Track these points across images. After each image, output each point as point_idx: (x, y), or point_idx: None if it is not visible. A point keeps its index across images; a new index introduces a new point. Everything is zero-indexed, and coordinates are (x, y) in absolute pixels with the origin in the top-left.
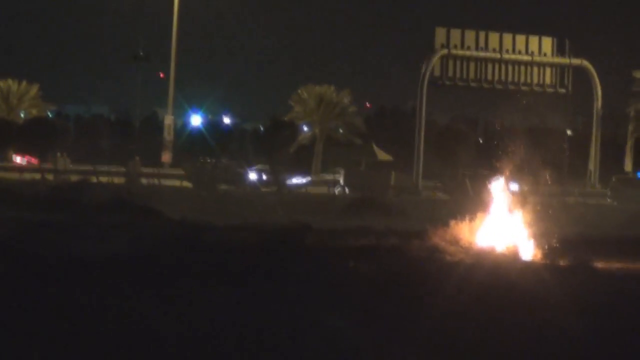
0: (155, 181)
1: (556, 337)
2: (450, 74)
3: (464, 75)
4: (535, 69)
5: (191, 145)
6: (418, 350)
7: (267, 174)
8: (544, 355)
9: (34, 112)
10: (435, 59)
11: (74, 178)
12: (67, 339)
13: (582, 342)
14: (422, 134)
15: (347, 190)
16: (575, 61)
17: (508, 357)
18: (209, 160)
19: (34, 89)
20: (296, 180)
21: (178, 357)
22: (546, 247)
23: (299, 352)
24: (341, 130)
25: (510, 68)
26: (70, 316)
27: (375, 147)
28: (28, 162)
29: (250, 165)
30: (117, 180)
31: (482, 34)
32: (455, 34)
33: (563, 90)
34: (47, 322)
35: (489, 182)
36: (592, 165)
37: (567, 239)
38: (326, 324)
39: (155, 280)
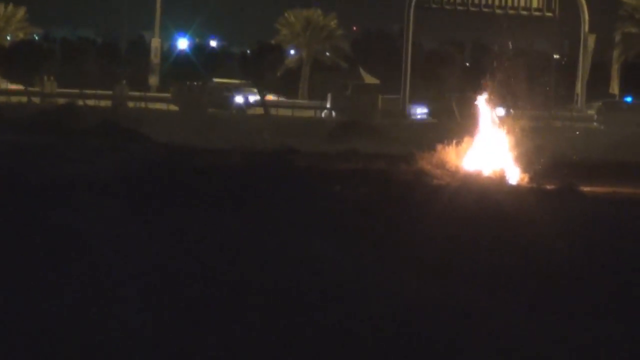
0: (142, 104)
1: (540, 256)
2: None
3: None
4: None
5: (178, 68)
6: (405, 271)
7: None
8: (529, 274)
9: (21, 35)
10: None
11: (61, 101)
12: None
13: (566, 262)
14: (409, 57)
15: (334, 113)
16: None
17: (495, 276)
18: (195, 84)
19: (21, 12)
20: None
21: (160, 281)
22: (533, 171)
23: (286, 276)
24: (328, 54)
25: None
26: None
27: (362, 71)
28: None
29: (236, 88)
30: (104, 103)
31: None
32: None
33: (550, 14)
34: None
35: (476, 106)
36: (579, 89)
37: (554, 163)
38: (313, 246)
39: (140, 203)
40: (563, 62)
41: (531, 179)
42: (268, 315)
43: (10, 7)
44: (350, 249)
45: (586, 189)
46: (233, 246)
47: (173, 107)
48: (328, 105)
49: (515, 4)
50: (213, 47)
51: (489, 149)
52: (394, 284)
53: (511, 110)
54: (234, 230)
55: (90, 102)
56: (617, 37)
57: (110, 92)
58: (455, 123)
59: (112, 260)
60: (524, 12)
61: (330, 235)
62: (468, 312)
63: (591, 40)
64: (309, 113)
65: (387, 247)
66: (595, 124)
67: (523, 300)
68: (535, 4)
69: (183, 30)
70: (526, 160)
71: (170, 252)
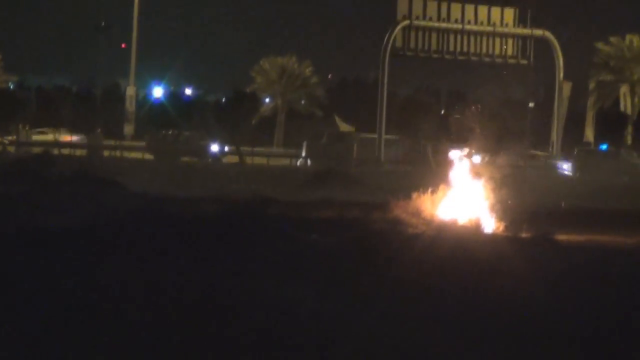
0: (117, 153)
1: (515, 304)
2: (412, 44)
3: (426, 46)
4: (498, 40)
5: (153, 117)
6: (379, 319)
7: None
8: (504, 323)
9: None
10: (397, 30)
11: (36, 150)
12: None
13: (541, 310)
14: (384, 105)
15: (309, 161)
16: (537, 32)
17: (469, 325)
18: (170, 132)
19: None
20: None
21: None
22: (508, 219)
23: (260, 321)
24: (303, 102)
25: (472, 39)
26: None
27: (337, 119)
28: None
29: (212, 137)
30: (79, 152)
31: (444, 5)
32: (418, 4)
33: (525, 62)
34: None
35: (451, 154)
36: (554, 137)
37: (529, 211)
38: (287, 294)
39: (111, 250)
40: (538, 109)
41: (506, 228)
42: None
43: None
44: (324, 295)
45: (561, 237)
46: (202, 294)
47: (148, 156)
48: (303, 154)
49: (491, 51)
50: (188, 96)
51: (465, 197)
52: (362, 329)
53: (486, 158)
54: (206, 277)
55: (66, 151)
56: (592, 85)
57: (85, 141)
58: (431, 171)
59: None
60: (499, 60)
61: (304, 281)
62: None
63: (566, 88)
64: (285, 161)
65: (360, 294)
66: (569, 172)
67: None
68: (510, 52)
69: (158, 78)
70: (501, 209)
71: (133, 297)
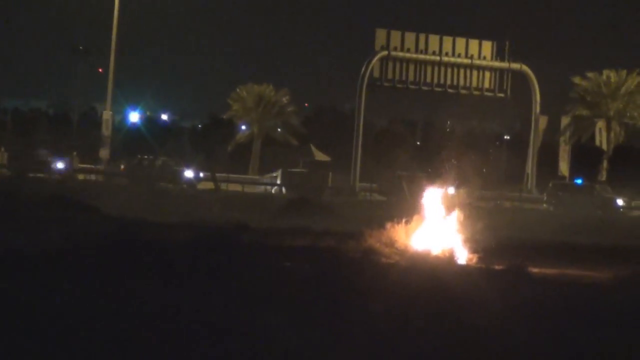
0: (93, 177)
1: (487, 337)
2: (390, 75)
3: (403, 77)
4: (475, 73)
5: (129, 141)
6: (349, 351)
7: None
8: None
9: None
10: (375, 61)
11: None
12: None
13: (515, 344)
14: (360, 135)
15: (284, 190)
16: (515, 65)
17: (437, 356)
18: (145, 157)
19: None
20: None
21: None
22: (482, 251)
23: (230, 352)
24: (279, 130)
25: (449, 71)
26: None
27: (313, 148)
28: None
29: (187, 163)
30: (55, 175)
31: (422, 37)
32: (396, 35)
33: (502, 95)
34: None
35: (426, 185)
36: (530, 170)
37: (503, 244)
38: (258, 322)
39: (82, 276)
40: (514, 142)
41: (480, 259)
42: None
43: None
44: (295, 325)
45: (535, 270)
46: (173, 320)
47: (124, 180)
48: (278, 182)
49: (468, 84)
50: (164, 121)
51: (439, 228)
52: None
53: (461, 190)
54: (176, 304)
55: (41, 174)
56: (568, 120)
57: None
58: (405, 201)
59: None
60: (476, 92)
61: (277, 309)
62: None
63: (543, 122)
64: (260, 189)
65: (334, 325)
66: (544, 205)
67: None
68: (487, 85)
69: (135, 103)
70: (475, 241)
71: (99, 325)
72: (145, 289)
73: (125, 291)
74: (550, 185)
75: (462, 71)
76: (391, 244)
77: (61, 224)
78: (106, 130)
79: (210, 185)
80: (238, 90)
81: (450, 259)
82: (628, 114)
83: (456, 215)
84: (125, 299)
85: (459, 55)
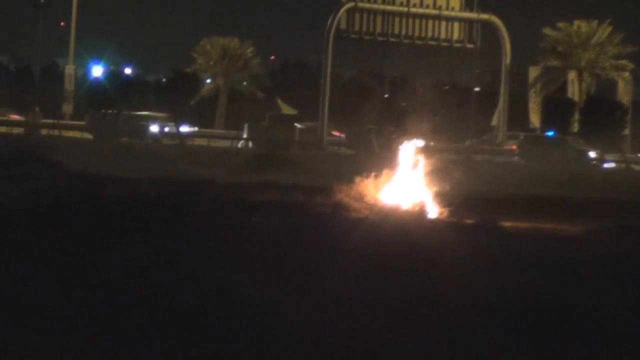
0: (56, 132)
1: (456, 290)
2: (357, 27)
3: (371, 29)
4: (444, 24)
5: (92, 96)
6: (316, 307)
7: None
8: (444, 307)
9: None
10: (342, 12)
11: None
12: None
13: (482, 297)
14: (328, 88)
15: (250, 144)
16: (484, 16)
17: (408, 312)
18: (110, 112)
19: None
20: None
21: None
22: (452, 205)
23: (196, 309)
24: (245, 83)
25: (417, 22)
26: None
27: (279, 101)
28: None
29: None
30: (17, 130)
31: None
32: None
33: (471, 46)
34: None
35: (395, 138)
36: (500, 122)
37: (474, 197)
38: (224, 279)
39: (44, 233)
40: (483, 95)
41: (451, 213)
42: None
43: None
44: (260, 278)
45: (507, 224)
46: (138, 279)
47: (87, 136)
48: (245, 136)
49: (436, 35)
50: (128, 75)
51: (408, 182)
52: (298, 317)
53: (431, 143)
54: (140, 262)
55: (3, 129)
56: (536, 71)
57: (23, 119)
58: (374, 155)
59: None
60: (445, 44)
61: (242, 264)
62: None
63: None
64: (226, 143)
65: (297, 280)
66: (516, 158)
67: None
68: (456, 36)
69: (97, 57)
70: (446, 195)
71: (69, 285)
72: (105, 252)
73: (86, 251)
74: (522, 137)
75: (430, 22)
76: (360, 198)
77: (22, 181)
78: (69, 85)
79: (175, 140)
80: (202, 43)
81: (420, 213)
82: (599, 65)
83: (426, 169)
84: (84, 260)
85: (427, 6)
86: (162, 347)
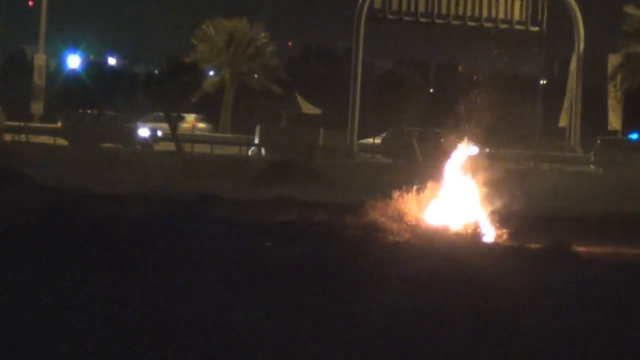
0: (23, 137)
1: (528, 336)
2: (395, 6)
3: (412, 9)
4: (502, 1)
5: (68, 92)
6: (347, 355)
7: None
8: None
9: None
10: None
11: None
12: None
13: (564, 343)
14: (359, 81)
15: (263, 151)
16: None
17: None
18: (89, 112)
19: None
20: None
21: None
22: (514, 225)
23: (203, 351)
24: (256, 75)
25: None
26: None
27: (299, 98)
28: None
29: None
30: None
31: None
32: None
33: (536, 28)
34: None
35: (442, 144)
36: (572, 123)
37: (539, 216)
38: (235, 318)
39: (13, 261)
40: (551, 88)
41: (511, 236)
42: None
43: None
44: (278, 318)
45: (580, 248)
46: (132, 315)
47: (62, 141)
48: (256, 141)
49: (493, 15)
50: (112, 66)
51: (459, 197)
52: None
53: (486, 149)
54: (133, 295)
55: None
56: (617, 59)
57: None
58: (416, 164)
59: None
60: (504, 26)
61: (255, 301)
62: None
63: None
64: (233, 150)
65: (323, 318)
66: (592, 166)
67: None
68: (517, 16)
69: (74, 45)
70: (504, 212)
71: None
72: (90, 283)
73: (68, 284)
74: (599, 142)
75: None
76: (400, 217)
77: None
78: (39, 79)
79: (170, 145)
80: (204, 26)
81: (474, 236)
82: None
83: (481, 180)
84: (66, 295)
85: None
86: None
